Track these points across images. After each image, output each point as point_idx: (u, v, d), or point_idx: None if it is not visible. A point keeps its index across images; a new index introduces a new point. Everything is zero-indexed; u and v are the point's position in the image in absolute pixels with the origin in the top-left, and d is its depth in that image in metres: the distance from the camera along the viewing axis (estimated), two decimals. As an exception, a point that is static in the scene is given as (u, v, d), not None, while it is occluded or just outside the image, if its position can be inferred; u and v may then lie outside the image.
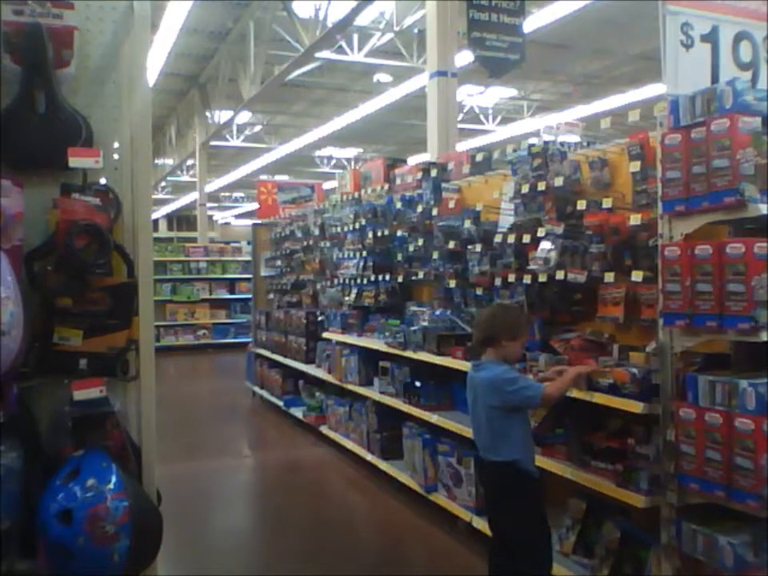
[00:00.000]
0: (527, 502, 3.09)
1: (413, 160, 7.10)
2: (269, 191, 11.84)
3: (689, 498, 2.81)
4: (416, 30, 10.90)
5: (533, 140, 4.19)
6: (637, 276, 3.21)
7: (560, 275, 3.58)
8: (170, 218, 32.70)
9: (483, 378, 3.12)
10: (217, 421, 8.29)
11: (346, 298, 6.51)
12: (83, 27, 2.19)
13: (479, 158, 4.97)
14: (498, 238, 4.16)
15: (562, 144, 3.87)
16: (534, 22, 8.88)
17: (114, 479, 1.92)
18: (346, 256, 6.49)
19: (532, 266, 3.76)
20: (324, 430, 6.74)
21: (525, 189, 3.91)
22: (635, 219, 3.21)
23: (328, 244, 7.17)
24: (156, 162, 21.09)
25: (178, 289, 14.86)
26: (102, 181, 2.20)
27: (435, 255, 4.94)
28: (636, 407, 2.97)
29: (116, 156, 2.26)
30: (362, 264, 6.17)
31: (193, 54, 13.58)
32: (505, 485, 3.11)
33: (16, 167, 2.01)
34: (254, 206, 16.91)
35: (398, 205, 5.54)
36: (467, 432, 4.23)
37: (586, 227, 3.53)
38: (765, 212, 2.57)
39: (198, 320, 14.88)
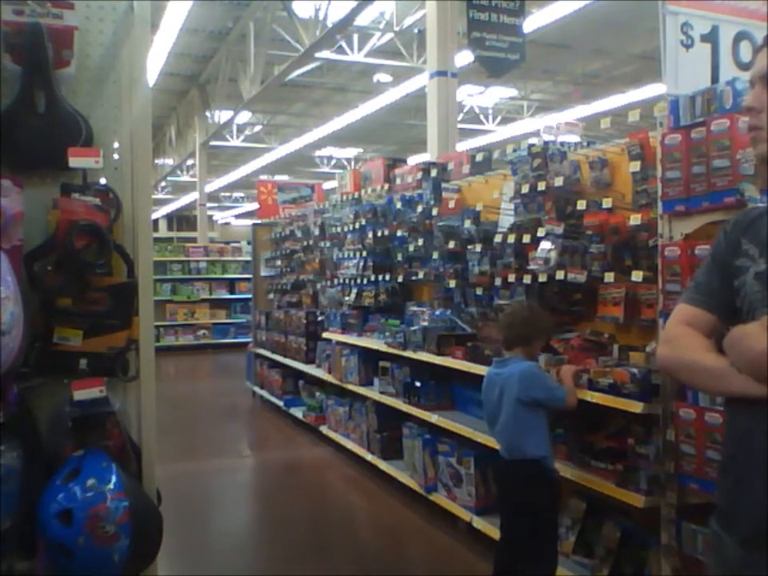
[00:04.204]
0: (549, 501, 3.10)
1: (413, 160, 7.10)
2: (269, 191, 11.84)
3: (689, 497, 2.81)
4: (416, 30, 10.90)
5: (533, 140, 4.19)
6: (637, 276, 3.21)
7: (560, 275, 3.58)
8: (169, 218, 32.67)
9: (515, 370, 3.14)
10: (217, 421, 8.29)
11: (346, 298, 6.51)
12: (83, 27, 2.19)
13: (479, 158, 4.97)
14: (497, 238, 4.16)
15: (562, 144, 3.87)
16: (533, 21, 8.87)
17: (114, 479, 1.91)
18: (346, 256, 6.49)
19: (532, 266, 3.76)
20: (324, 429, 6.74)
21: (525, 189, 3.90)
22: (635, 219, 3.21)
23: (328, 244, 7.17)
24: (156, 161, 21.07)
25: (177, 289, 14.85)
26: (102, 181, 2.19)
27: (435, 255, 4.94)
28: (636, 407, 2.97)
29: (116, 156, 2.26)
30: (362, 264, 6.17)
31: (193, 53, 13.57)
32: (529, 484, 3.10)
33: (16, 167, 2.01)
34: (254, 206, 16.92)
35: (398, 205, 5.54)
36: (467, 432, 4.24)
37: (586, 227, 3.53)
38: (765, 212, 2.57)
39: (198, 320, 14.87)
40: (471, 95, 14.88)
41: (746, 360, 1.36)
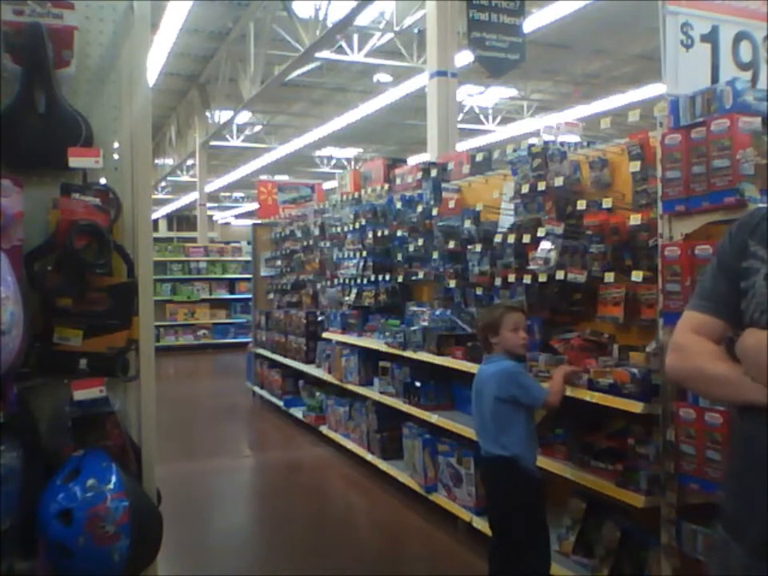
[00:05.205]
0: (525, 500, 3.10)
1: (413, 160, 7.10)
2: (269, 191, 11.83)
3: (689, 497, 2.81)
4: (416, 30, 10.90)
5: (533, 140, 4.19)
6: (637, 276, 3.21)
7: (560, 275, 3.58)
8: (170, 217, 32.68)
9: (491, 370, 3.21)
10: (217, 421, 8.29)
11: (346, 298, 6.51)
12: (83, 27, 2.19)
13: (479, 158, 4.97)
14: (497, 238, 4.16)
15: (562, 144, 3.86)
16: (533, 21, 8.87)
17: (114, 479, 1.92)
18: (346, 256, 6.49)
19: (532, 266, 3.76)
20: (324, 430, 6.74)
21: (525, 189, 3.90)
22: (635, 219, 3.21)
23: (328, 244, 7.17)
24: (156, 162, 21.08)
25: (177, 289, 14.85)
26: (102, 181, 2.19)
27: (435, 255, 4.94)
28: (636, 407, 2.97)
29: (116, 156, 2.26)
30: (362, 264, 6.17)
31: (193, 53, 13.57)
32: (503, 482, 3.13)
33: (16, 167, 2.01)
34: (254, 206, 16.92)
35: (398, 205, 5.54)
36: (467, 432, 4.24)
37: (586, 227, 3.52)
38: (765, 212, 2.57)
39: (198, 320, 14.88)
40: (471, 95, 14.88)
41: (763, 370, 1.35)
